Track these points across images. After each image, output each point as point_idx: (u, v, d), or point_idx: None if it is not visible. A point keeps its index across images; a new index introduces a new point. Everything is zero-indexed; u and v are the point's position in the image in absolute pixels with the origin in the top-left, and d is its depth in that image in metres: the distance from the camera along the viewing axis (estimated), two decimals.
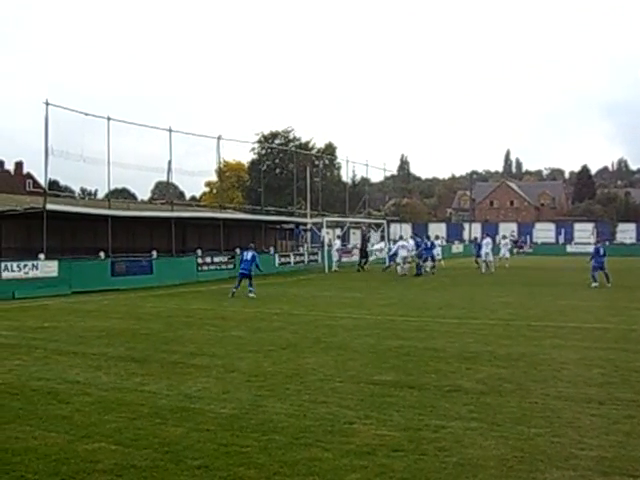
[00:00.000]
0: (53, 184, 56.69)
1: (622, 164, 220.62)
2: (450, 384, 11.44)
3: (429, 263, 42.50)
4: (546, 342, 15.96)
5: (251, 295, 27.47)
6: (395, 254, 42.01)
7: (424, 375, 12.22)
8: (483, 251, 43.48)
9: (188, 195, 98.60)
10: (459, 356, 14.05)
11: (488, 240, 44.20)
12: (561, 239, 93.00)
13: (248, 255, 29.02)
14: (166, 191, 51.14)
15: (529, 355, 14.22)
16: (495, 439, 8.45)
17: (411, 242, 42.94)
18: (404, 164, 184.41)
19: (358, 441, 8.38)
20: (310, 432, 8.75)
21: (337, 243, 50.87)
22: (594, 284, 31.41)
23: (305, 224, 55.19)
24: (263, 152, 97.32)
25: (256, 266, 29.11)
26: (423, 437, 8.54)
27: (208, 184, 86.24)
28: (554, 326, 18.78)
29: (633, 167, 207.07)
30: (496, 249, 48.81)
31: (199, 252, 39.13)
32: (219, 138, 44.95)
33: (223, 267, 39.70)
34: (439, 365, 13.13)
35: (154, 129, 40.44)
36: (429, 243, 42.79)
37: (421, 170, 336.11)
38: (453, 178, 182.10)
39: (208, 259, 38.97)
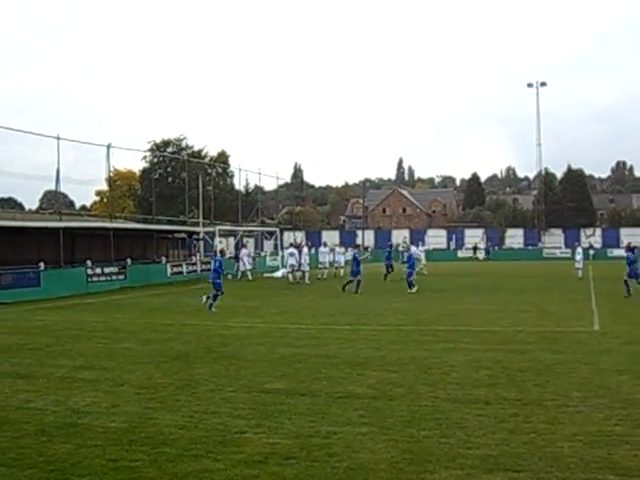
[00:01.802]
0: None
1: (510, 172, 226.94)
2: (341, 390, 11.53)
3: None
4: (436, 346, 16.27)
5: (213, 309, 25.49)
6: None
7: (315, 382, 12.28)
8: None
9: (78, 204, 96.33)
10: (351, 362, 14.16)
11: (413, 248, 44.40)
12: (452, 245, 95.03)
13: (216, 263, 26.89)
14: (55, 200, 49.87)
15: (419, 359, 14.46)
16: (385, 442, 8.57)
17: (305, 250, 42.94)
18: (298, 172, 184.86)
19: (249, 450, 8.37)
20: (201, 443, 8.69)
21: (244, 251, 49.97)
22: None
23: (198, 233, 54.74)
24: (155, 160, 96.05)
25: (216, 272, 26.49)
26: (314, 444, 8.58)
27: (99, 193, 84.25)
28: (444, 330, 19.16)
29: (521, 174, 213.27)
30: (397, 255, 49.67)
31: (89, 263, 38.33)
32: (109, 146, 44.20)
33: (114, 278, 38.97)
34: (331, 372, 13.21)
35: (41, 137, 39.44)
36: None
37: (314, 178, 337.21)
38: (346, 186, 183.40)
39: (98, 270, 38.15)
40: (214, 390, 11.82)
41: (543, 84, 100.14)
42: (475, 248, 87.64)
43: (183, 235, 56.24)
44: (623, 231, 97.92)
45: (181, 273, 46.39)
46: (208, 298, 25.86)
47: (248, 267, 47.22)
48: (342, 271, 46.55)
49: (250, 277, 45.83)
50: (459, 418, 9.65)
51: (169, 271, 45.09)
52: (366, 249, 78.62)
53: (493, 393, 11.19)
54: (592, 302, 26.45)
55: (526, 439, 8.63)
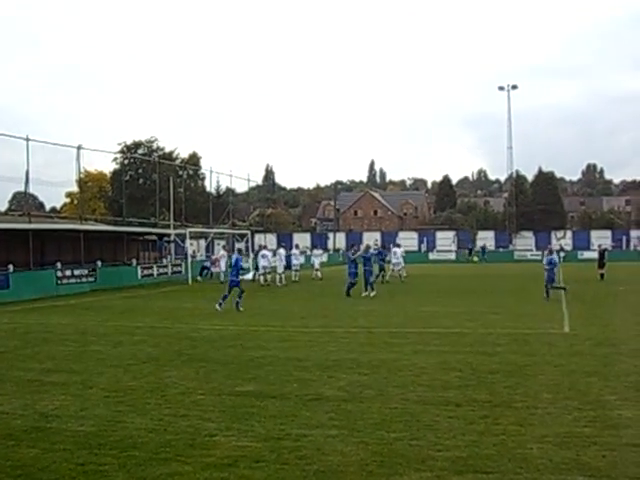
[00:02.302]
0: None
1: (482, 174, 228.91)
2: (312, 393, 11.51)
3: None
4: (407, 348, 16.28)
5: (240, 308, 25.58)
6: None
7: (286, 385, 12.24)
8: (393, 261, 43.33)
9: (48, 206, 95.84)
10: (321, 365, 14.15)
11: (396, 250, 44.18)
12: (424, 247, 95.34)
13: (235, 261, 26.78)
14: (24, 202, 49.45)
15: (390, 361, 14.47)
16: (355, 445, 8.57)
17: (283, 251, 42.90)
18: (269, 174, 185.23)
19: (219, 453, 8.33)
20: (170, 446, 8.63)
21: (222, 252, 49.50)
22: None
23: (168, 235, 54.47)
24: (126, 162, 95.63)
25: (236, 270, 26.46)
26: (284, 446, 8.57)
27: (69, 195, 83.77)
28: (415, 332, 19.19)
29: (492, 177, 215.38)
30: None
31: (58, 265, 38.03)
32: (79, 148, 43.83)
33: (84, 280, 38.69)
34: (301, 374, 13.18)
35: (10, 138, 38.99)
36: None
37: (286, 180, 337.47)
38: (318, 188, 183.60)
39: (68, 272, 37.88)
40: (184, 393, 11.75)
41: (514, 87, 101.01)
42: (483, 248, 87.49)
43: (154, 237, 55.89)
44: (594, 233, 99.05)
45: (152, 275, 46.21)
46: (227, 300, 26.09)
47: (223, 270, 46.96)
48: (319, 273, 46.63)
49: (222, 279, 45.52)
50: (429, 420, 9.67)
51: (140, 273, 44.88)
52: (337, 251, 78.67)
53: (463, 395, 11.22)
54: (563, 304, 26.60)
55: (496, 441, 8.66)
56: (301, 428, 9.37)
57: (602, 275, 41.90)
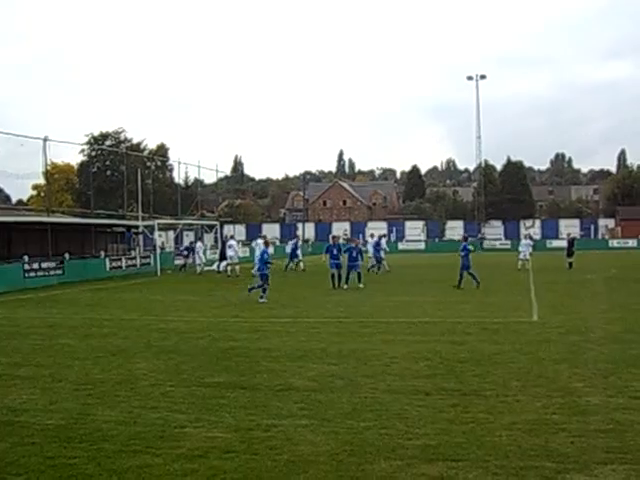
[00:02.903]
0: None
1: (451, 164, 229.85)
2: (282, 383, 11.52)
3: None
4: (377, 338, 16.35)
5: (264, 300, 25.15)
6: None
7: (256, 375, 12.24)
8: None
9: (15, 198, 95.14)
10: (291, 355, 14.17)
11: (382, 240, 44.73)
12: (393, 237, 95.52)
13: (263, 254, 26.71)
14: None
15: (360, 351, 14.51)
16: (326, 435, 8.58)
17: (260, 244, 42.77)
18: (238, 165, 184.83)
19: (189, 445, 8.31)
20: (140, 439, 8.59)
21: (199, 244, 49.18)
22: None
23: (137, 227, 54.17)
24: (93, 154, 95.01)
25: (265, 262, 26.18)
26: (254, 437, 8.56)
27: (35, 187, 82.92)
28: (385, 322, 19.28)
29: (461, 167, 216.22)
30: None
31: (25, 258, 37.62)
32: (45, 139, 43.55)
33: (51, 273, 38.27)
34: (271, 365, 13.18)
35: None
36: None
37: (255, 171, 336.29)
38: (287, 179, 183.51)
39: (35, 265, 37.43)
40: (153, 385, 11.70)
41: (483, 77, 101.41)
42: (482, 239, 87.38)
43: (122, 229, 55.56)
44: (562, 222, 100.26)
45: (120, 268, 45.84)
46: (253, 289, 26.13)
47: (203, 261, 46.69)
48: (302, 265, 45.57)
49: (199, 271, 45.45)
50: (399, 409, 9.71)
51: (108, 266, 44.50)
52: (306, 242, 78.54)
53: (433, 384, 11.28)
54: (531, 293, 26.84)
55: (465, 429, 8.72)
56: (271, 418, 9.37)
57: (570, 264, 42.26)
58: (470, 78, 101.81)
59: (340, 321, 19.52)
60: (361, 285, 30.50)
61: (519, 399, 10.17)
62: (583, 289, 28.90)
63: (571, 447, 7.95)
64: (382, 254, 42.35)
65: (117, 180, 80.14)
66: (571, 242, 44.43)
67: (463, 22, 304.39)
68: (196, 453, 8.00)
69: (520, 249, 44.00)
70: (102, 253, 46.67)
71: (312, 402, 10.21)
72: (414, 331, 17.38)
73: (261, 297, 25.19)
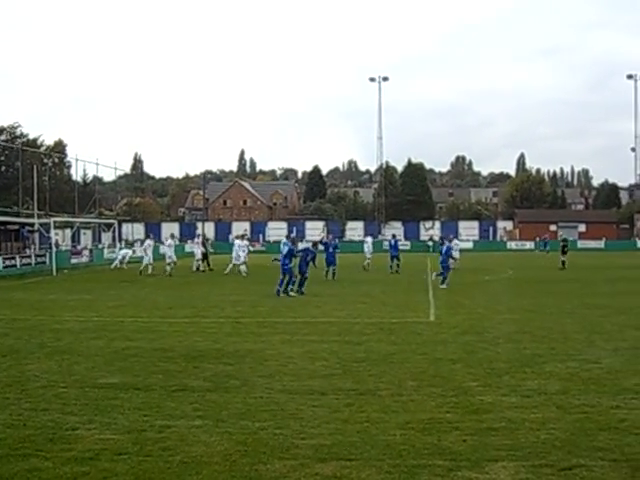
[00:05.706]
0: None
1: (352, 165, 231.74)
2: (176, 383, 11.40)
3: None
4: (274, 338, 16.31)
5: (292, 294, 26.81)
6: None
7: (151, 376, 12.07)
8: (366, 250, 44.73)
9: None
10: (187, 355, 14.02)
11: (369, 239, 47.59)
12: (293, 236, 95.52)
13: (286, 249, 27.94)
14: None
15: (257, 351, 14.47)
16: (220, 435, 8.53)
17: (170, 242, 42.37)
18: (137, 163, 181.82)
19: (81, 447, 8.15)
20: (30, 442, 8.37)
21: (147, 242, 46.58)
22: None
23: (32, 225, 52.81)
24: None
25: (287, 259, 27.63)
26: (148, 438, 8.46)
27: None
28: (283, 322, 19.25)
29: (362, 168, 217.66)
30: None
31: None
32: None
33: None
34: (166, 365, 13.02)
35: None
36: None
37: (155, 169, 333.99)
38: (187, 177, 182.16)
39: None
40: (45, 386, 11.40)
41: (385, 79, 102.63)
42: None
43: (16, 227, 54.07)
44: (461, 224, 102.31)
45: (15, 266, 44.59)
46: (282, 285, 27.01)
47: (150, 260, 44.31)
48: (244, 267, 39.72)
49: (150, 271, 41.53)
50: (294, 409, 9.71)
51: (1, 264, 43.27)
52: (207, 240, 77.89)
53: (328, 384, 11.32)
54: (429, 293, 27.22)
55: (359, 428, 8.75)
56: (165, 419, 9.26)
57: (564, 262, 43.58)
58: (373, 79, 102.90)
59: (238, 321, 19.40)
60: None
61: (414, 398, 10.27)
62: (480, 290, 29.48)
63: (463, 445, 8.06)
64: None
65: (12, 176, 77.94)
66: (564, 242, 45.31)
67: (368, 23, 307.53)
68: (87, 455, 7.84)
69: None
70: None
71: (207, 402, 10.12)
72: (312, 331, 17.41)
73: (292, 290, 27.00)
